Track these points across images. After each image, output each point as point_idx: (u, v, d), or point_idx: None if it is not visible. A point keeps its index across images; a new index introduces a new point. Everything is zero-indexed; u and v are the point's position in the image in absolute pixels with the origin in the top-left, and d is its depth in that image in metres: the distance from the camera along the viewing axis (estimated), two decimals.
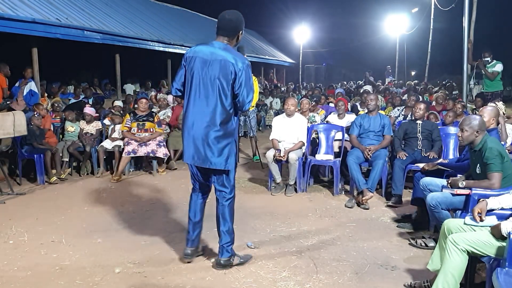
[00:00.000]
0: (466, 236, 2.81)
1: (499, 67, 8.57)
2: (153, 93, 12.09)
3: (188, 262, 3.56)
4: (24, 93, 7.56)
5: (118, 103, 8.81)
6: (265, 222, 4.59)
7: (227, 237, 3.38)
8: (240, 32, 3.31)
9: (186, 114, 3.29)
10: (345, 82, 21.38)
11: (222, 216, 3.38)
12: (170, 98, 9.60)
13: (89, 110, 7.42)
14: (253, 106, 7.88)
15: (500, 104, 6.03)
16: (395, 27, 28.71)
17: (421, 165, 4.90)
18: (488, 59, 8.55)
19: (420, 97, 9.81)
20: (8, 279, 3.33)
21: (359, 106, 8.81)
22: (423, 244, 3.87)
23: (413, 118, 5.83)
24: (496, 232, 2.75)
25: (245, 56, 3.45)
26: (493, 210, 3.11)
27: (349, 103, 9.42)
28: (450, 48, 20.39)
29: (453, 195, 3.58)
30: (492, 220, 2.96)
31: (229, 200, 3.39)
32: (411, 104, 7.39)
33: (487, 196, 3.21)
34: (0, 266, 3.57)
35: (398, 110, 7.95)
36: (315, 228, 4.43)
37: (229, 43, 3.28)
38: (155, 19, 14.86)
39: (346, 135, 6.09)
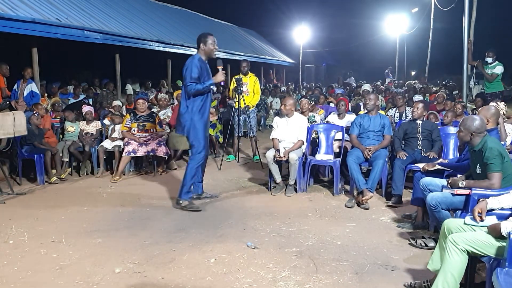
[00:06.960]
0: (466, 236, 2.81)
1: (498, 69, 8.47)
2: (151, 95, 12.04)
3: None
4: (25, 94, 7.55)
5: (118, 103, 8.82)
6: (265, 222, 4.59)
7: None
8: (201, 43, 4.92)
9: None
10: (353, 78, 20.76)
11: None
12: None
13: (88, 107, 7.42)
14: (253, 106, 7.85)
15: (501, 105, 6.01)
16: (395, 27, 28.72)
17: (421, 165, 4.89)
18: (490, 59, 8.48)
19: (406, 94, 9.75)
20: (8, 279, 3.33)
21: (361, 106, 8.79)
22: (423, 244, 3.87)
23: (411, 118, 5.83)
24: (493, 232, 2.75)
25: (219, 67, 5.03)
26: (493, 210, 3.11)
27: (349, 103, 9.40)
28: (450, 48, 20.36)
29: (453, 195, 3.59)
30: (492, 220, 2.96)
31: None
32: (400, 104, 7.76)
33: (487, 196, 3.21)
34: (0, 266, 3.57)
35: (392, 110, 7.97)
36: (315, 228, 4.43)
37: (198, 52, 4.97)
38: (155, 19, 14.81)
39: (346, 135, 6.09)
